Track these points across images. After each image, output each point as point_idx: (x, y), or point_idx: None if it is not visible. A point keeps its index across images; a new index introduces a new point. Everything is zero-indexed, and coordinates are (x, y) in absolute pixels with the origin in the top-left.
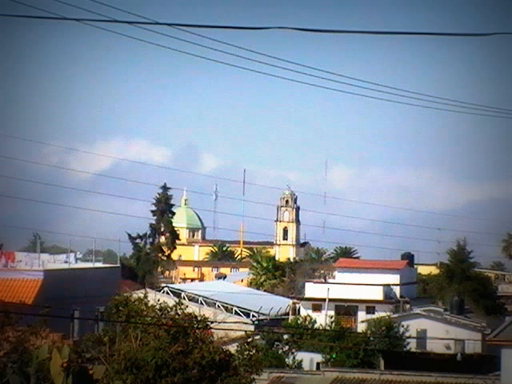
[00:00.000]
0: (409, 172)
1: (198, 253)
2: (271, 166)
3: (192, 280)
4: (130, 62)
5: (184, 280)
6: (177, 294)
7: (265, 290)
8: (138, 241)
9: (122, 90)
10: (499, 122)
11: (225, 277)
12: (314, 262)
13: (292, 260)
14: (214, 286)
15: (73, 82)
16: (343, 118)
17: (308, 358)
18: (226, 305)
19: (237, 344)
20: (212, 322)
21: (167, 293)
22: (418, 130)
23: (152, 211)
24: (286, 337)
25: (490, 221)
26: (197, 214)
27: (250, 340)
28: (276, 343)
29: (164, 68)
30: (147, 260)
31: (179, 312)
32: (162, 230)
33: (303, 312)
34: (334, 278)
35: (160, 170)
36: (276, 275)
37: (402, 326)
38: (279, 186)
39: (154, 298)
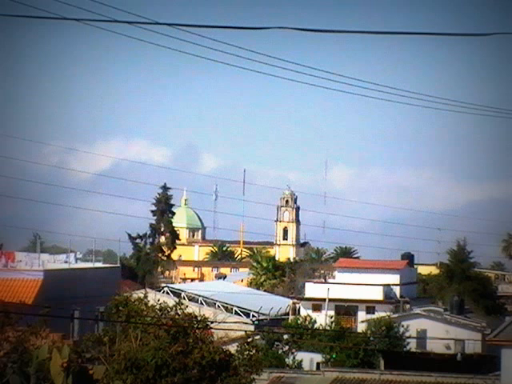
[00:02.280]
0: (409, 172)
1: (198, 253)
2: (271, 165)
3: (192, 280)
4: (130, 61)
5: (184, 280)
6: (177, 294)
7: (265, 290)
8: (138, 241)
9: (122, 90)
10: (499, 121)
11: (225, 277)
12: (314, 261)
13: (292, 260)
14: (214, 285)
15: (73, 82)
16: (343, 118)
17: (308, 358)
18: (226, 305)
19: (237, 344)
20: (212, 322)
21: (167, 293)
22: (418, 130)
23: (152, 211)
24: (286, 337)
25: (489, 221)
26: (197, 214)
27: (250, 340)
28: (276, 343)
29: (164, 68)
30: (147, 260)
31: (179, 312)
32: (162, 229)
33: (303, 312)
34: (334, 277)
35: (160, 170)
36: (276, 275)
37: (402, 326)
38: (279, 186)
39: (153, 297)
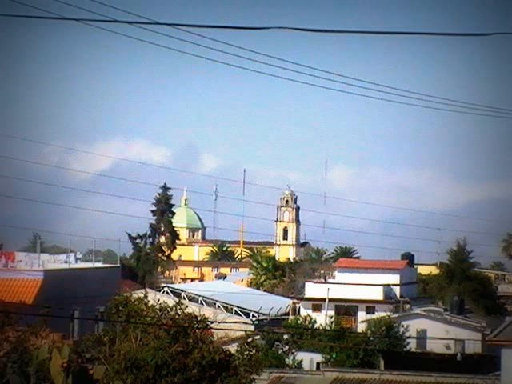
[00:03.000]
0: (409, 172)
1: (198, 253)
2: (271, 165)
3: (192, 280)
4: (130, 62)
5: (184, 280)
6: (177, 294)
7: (265, 290)
8: (138, 241)
9: (122, 90)
10: (499, 121)
11: (225, 277)
12: (314, 261)
13: (292, 260)
14: (214, 286)
15: (73, 82)
16: (343, 118)
17: (308, 358)
18: (226, 305)
19: (237, 344)
20: (212, 322)
21: (167, 293)
22: (418, 130)
23: (152, 211)
24: (286, 337)
25: (489, 221)
26: (197, 214)
27: (250, 340)
28: (276, 343)
29: (164, 68)
30: (147, 260)
31: (179, 312)
32: (162, 229)
33: (303, 312)
34: (334, 277)
35: (160, 170)
36: (276, 275)
37: (402, 326)
38: (279, 186)
39: (153, 297)
